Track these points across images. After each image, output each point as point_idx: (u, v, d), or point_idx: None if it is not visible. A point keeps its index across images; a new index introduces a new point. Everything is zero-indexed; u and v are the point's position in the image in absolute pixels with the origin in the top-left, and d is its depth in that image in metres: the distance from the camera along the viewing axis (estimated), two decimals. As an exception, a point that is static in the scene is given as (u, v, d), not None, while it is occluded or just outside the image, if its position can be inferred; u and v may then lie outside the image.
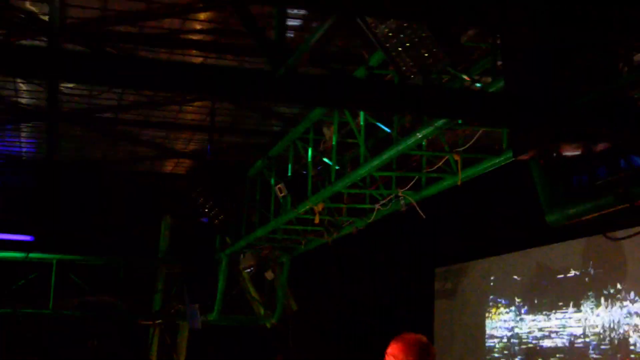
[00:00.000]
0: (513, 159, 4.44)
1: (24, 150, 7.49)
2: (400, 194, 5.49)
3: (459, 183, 4.90)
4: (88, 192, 8.42)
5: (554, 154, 2.99)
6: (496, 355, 7.12)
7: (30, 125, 6.86)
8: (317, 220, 6.18)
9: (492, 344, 7.18)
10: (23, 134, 7.09)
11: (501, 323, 7.11)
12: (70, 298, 8.64)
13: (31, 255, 8.42)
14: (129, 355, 10.13)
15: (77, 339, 10.01)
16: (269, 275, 8.04)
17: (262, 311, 8.81)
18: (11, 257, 8.39)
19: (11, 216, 8.65)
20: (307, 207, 6.01)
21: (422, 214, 5.35)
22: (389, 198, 5.66)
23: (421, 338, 4.89)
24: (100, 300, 8.81)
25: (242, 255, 7.94)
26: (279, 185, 6.14)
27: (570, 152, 2.98)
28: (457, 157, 4.86)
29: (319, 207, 6.07)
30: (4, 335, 9.83)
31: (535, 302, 6.72)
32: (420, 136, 4.53)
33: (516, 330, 6.94)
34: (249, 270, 7.93)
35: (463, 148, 4.77)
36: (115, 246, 9.02)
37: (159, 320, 9.40)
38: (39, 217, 8.78)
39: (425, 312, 7.94)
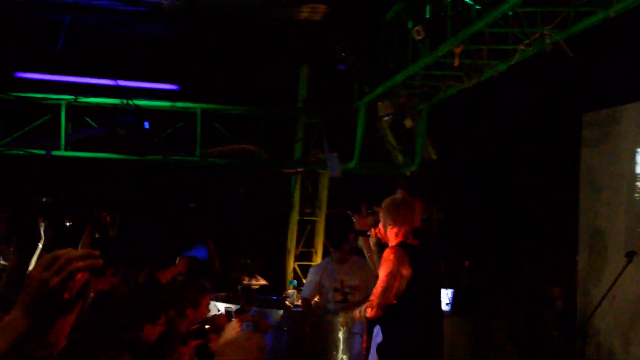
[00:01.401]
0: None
1: (164, -3, 7.58)
2: (545, 32, 5.18)
3: (612, 15, 4.54)
4: (227, 40, 8.53)
5: None
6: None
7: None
8: (456, 63, 5.98)
9: (642, 194, 6.86)
10: (162, -19, 7.17)
11: (653, 172, 6.75)
12: (215, 146, 8.99)
13: (177, 104, 8.76)
14: (273, 203, 10.57)
15: (223, 186, 10.53)
16: (408, 123, 7.96)
17: (401, 159, 8.84)
18: (159, 105, 8.76)
19: (156, 65, 8.97)
20: (446, 49, 5.80)
21: (570, 53, 5.04)
22: (533, 37, 5.36)
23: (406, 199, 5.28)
24: (243, 149, 9.12)
25: (380, 103, 7.89)
26: (417, 28, 5.93)
27: None
28: (610, -13, 4.48)
29: (459, 49, 5.86)
30: (155, 182, 10.48)
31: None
32: (569, -36, 4.17)
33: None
34: (387, 118, 7.90)
35: (618, -24, 4.37)
36: (256, 96, 9.22)
37: (301, 169, 9.67)
38: (183, 66, 9.06)
39: (572, 161, 7.66)
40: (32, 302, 1.67)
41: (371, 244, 5.44)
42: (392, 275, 5.07)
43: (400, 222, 5.26)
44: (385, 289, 5.05)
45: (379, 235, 5.39)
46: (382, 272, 5.10)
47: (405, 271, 5.15)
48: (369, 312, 5.08)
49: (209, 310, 5.14)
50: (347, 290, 7.52)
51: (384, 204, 5.35)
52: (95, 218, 8.58)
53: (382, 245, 5.46)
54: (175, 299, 5.00)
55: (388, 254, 5.14)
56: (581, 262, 7.46)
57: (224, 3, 7.61)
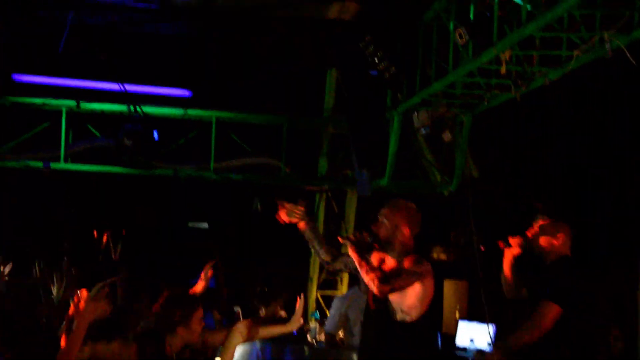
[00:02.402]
0: None
1: (179, -7, 7.64)
2: (606, 36, 5.16)
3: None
4: (247, 41, 8.57)
5: None
6: None
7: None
8: (503, 71, 5.96)
9: None
10: (177, -25, 7.22)
11: None
12: (231, 159, 9.02)
13: (189, 111, 8.80)
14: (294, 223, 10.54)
15: (239, 203, 10.54)
16: (447, 136, 7.94)
17: (438, 177, 8.81)
18: (169, 113, 8.82)
19: (167, 69, 9.04)
20: (492, 55, 5.80)
21: (632, 59, 5.01)
22: (591, 42, 5.34)
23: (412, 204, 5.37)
24: (262, 163, 9.14)
25: (415, 114, 7.89)
26: (460, 30, 5.94)
27: None
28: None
29: (506, 55, 5.84)
30: (166, 199, 10.53)
31: None
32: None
33: None
34: (423, 130, 7.89)
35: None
36: (277, 103, 9.25)
37: (325, 186, 9.67)
38: (196, 70, 9.12)
39: (636, 179, 7.61)
40: None
41: (350, 250, 5.23)
42: (420, 286, 5.04)
43: (413, 227, 5.24)
44: (404, 285, 4.98)
45: (375, 237, 5.25)
46: (409, 270, 5.03)
47: (431, 290, 5.14)
48: (379, 286, 4.93)
49: (202, 326, 5.14)
50: (375, 323, 7.47)
51: (393, 203, 5.36)
52: (97, 240, 8.64)
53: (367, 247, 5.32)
54: (164, 318, 5.01)
55: (425, 265, 5.11)
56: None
57: (244, 0, 7.67)
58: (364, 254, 5.10)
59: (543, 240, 5.54)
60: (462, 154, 8.42)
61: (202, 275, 6.84)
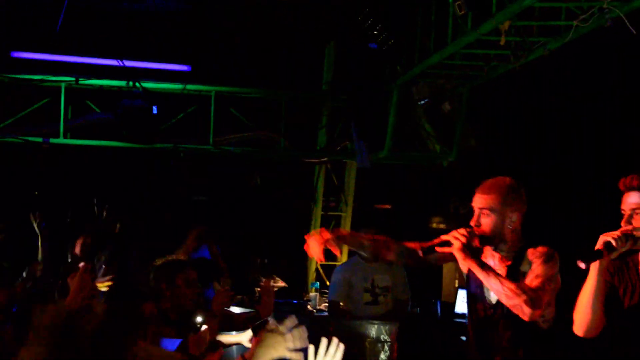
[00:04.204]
0: None
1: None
2: (605, 5, 5.16)
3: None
4: (246, 16, 8.54)
5: None
6: None
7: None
8: (502, 42, 5.98)
9: None
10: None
11: None
12: (231, 133, 9.01)
13: (189, 86, 8.79)
14: (294, 195, 10.59)
15: (238, 177, 10.57)
16: (446, 107, 7.97)
17: (437, 148, 8.83)
18: (168, 88, 8.80)
19: (166, 44, 9.00)
20: (492, 26, 5.82)
21: (632, 29, 5.01)
22: (590, 12, 5.34)
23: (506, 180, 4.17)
24: (261, 136, 9.14)
25: (414, 86, 7.90)
26: (458, 2, 5.93)
27: None
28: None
29: (505, 26, 5.87)
30: (167, 173, 10.54)
31: None
32: None
33: None
34: (422, 102, 7.91)
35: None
36: (275, 78, 9.24)
37: (325, 158, 9.68)
38: (195, 45, 9.09)
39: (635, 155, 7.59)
40: None
41: (457, 251, 3.99)
42: (556, 276, 4.01)
43: (522, 207, 4.10)
44: (553, 286, 3.95)
45: (478, 232, 4.05)
46: (549, 268, 3.94)
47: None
48: (533, 311, 3.82)
49: (191, 288, 5.06)
50: (377, 291, 7.50)
51: (493, 187, 4.08)
52: (98, 215, 8.66)
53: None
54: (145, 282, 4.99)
55: (550, 251, 4.01)
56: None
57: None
58: (484, 263, 3.98)
59: None
60: (461, 124, 8.44)
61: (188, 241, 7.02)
